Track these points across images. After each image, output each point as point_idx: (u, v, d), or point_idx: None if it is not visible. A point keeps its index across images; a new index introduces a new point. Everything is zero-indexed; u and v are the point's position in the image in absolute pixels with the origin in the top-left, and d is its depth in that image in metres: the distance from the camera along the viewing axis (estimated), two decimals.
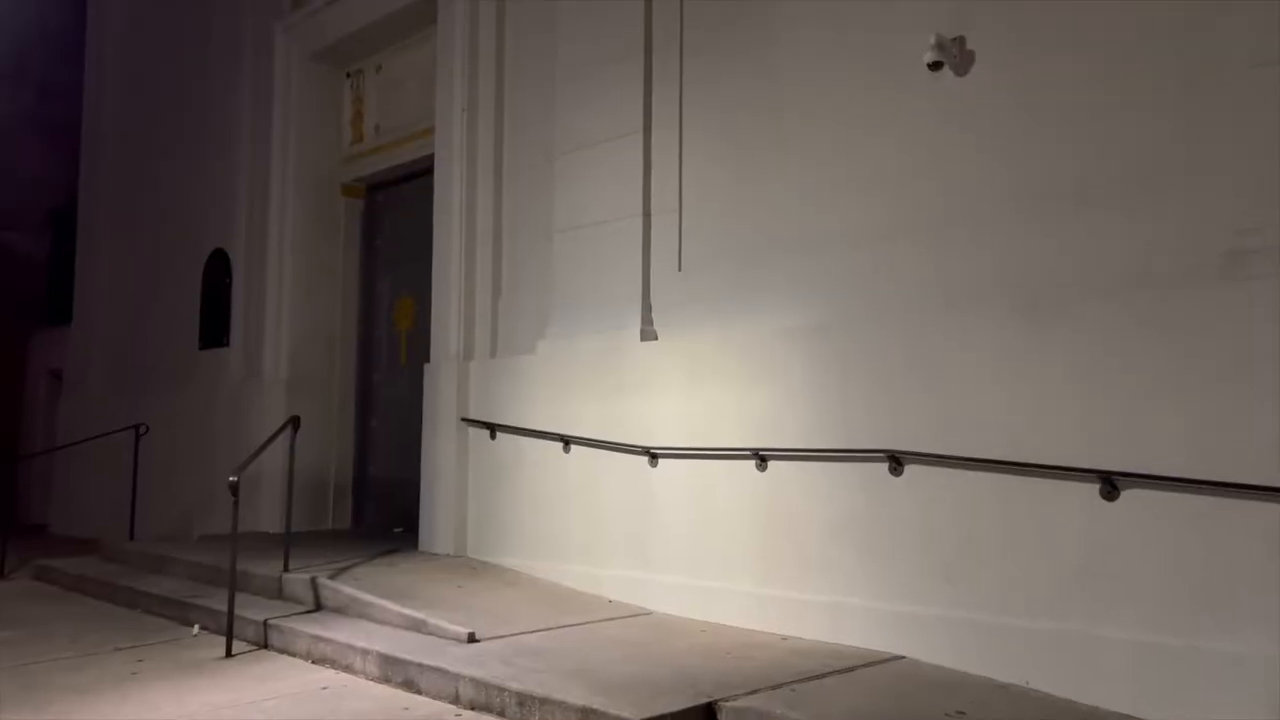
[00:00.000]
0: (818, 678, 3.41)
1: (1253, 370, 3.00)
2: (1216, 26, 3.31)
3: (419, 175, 7.04)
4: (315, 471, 7.29)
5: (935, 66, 3.88)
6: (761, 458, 4.30)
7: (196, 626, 4.94)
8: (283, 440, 5.19)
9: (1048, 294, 3.56)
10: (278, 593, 5.09)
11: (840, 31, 4.37)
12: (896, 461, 3.83)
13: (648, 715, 2.98)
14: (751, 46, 4.73)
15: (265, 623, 4.56)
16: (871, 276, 4.11)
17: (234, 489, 4.47)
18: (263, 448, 5.01)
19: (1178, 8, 3.40)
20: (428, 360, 6.23)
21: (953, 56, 3.86)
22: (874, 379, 3.97)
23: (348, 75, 7.86)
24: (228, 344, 8.07)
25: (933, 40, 3.84)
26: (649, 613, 4.60)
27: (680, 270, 4.96)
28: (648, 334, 4.99)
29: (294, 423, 5.21)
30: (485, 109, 6.11)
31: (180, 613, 5.16)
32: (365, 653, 3.99)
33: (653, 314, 5.04)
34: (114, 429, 8.00)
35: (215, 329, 8.27)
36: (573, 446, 5.17)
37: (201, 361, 8.39)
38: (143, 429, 7.49)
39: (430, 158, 6.50)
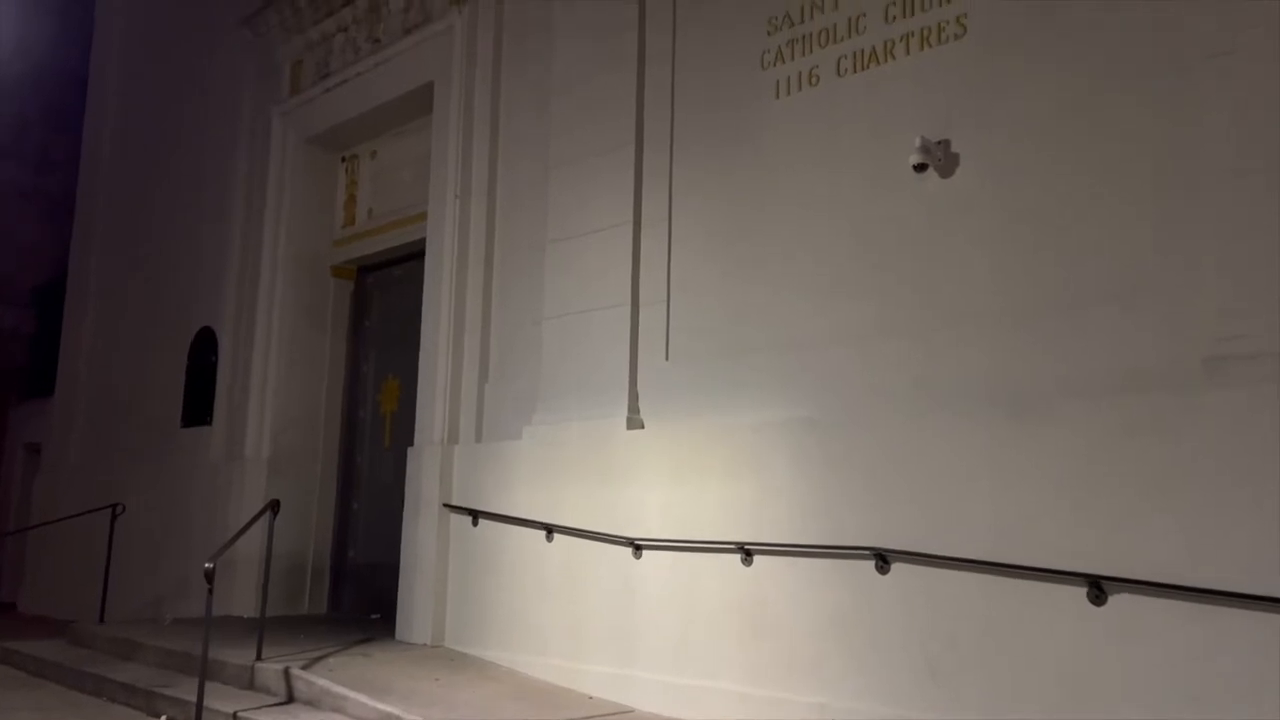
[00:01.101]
0: None
1: (1238, 477, 3.01)
2: (1197, 132, 3.39)
3: (410, 258, 7.09)
4: (293, 554, 7.16)
5: (920, 168, 3.96)
6: (747, 552, 4.25)
7: (164, 718, 4.78)
8: (261, 523, 5.11)
9: (1034, 395, 3.58)
10: (249, 683, 4.95)
11: (828, 130, 4.47)
12: (883, 560, 3.79)
13: None
14: (741, 141, 4.82)
15: (235, 715, 4.42)
16: (857, 373, 4.13)
17: (209, 576, 4.38)
18: (240, 533, 4.94)
19: (1160, 113, 3.50)
20: (411, 443, 6.19)
21: (937, 159, 3.95)
22: (860, 476, 3.96)
23: (343, 159, 7.97)
24: (210, 423, 8.01)
25: (918, 143, 3.93)
26: (630, 710, 4.49)
27: (668, 360, 4.98)
28: (634, 422, 4.97)
29: (273, 507, 5.14)
30: (478, 195, 6.19)
31: (147, 702, 5.00)
32: None
33: (639, 403, 5.03)
34: (91, 507, 7.86)
35: (198, 407, 8.21)
36: (556, 536, 5.11)
37: (183, 440, 8.30)
38: (119, 509, 7.36)
39: (422, 242, 6.56)
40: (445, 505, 5.79)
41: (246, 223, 7.98)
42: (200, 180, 8.68)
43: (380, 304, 7.77)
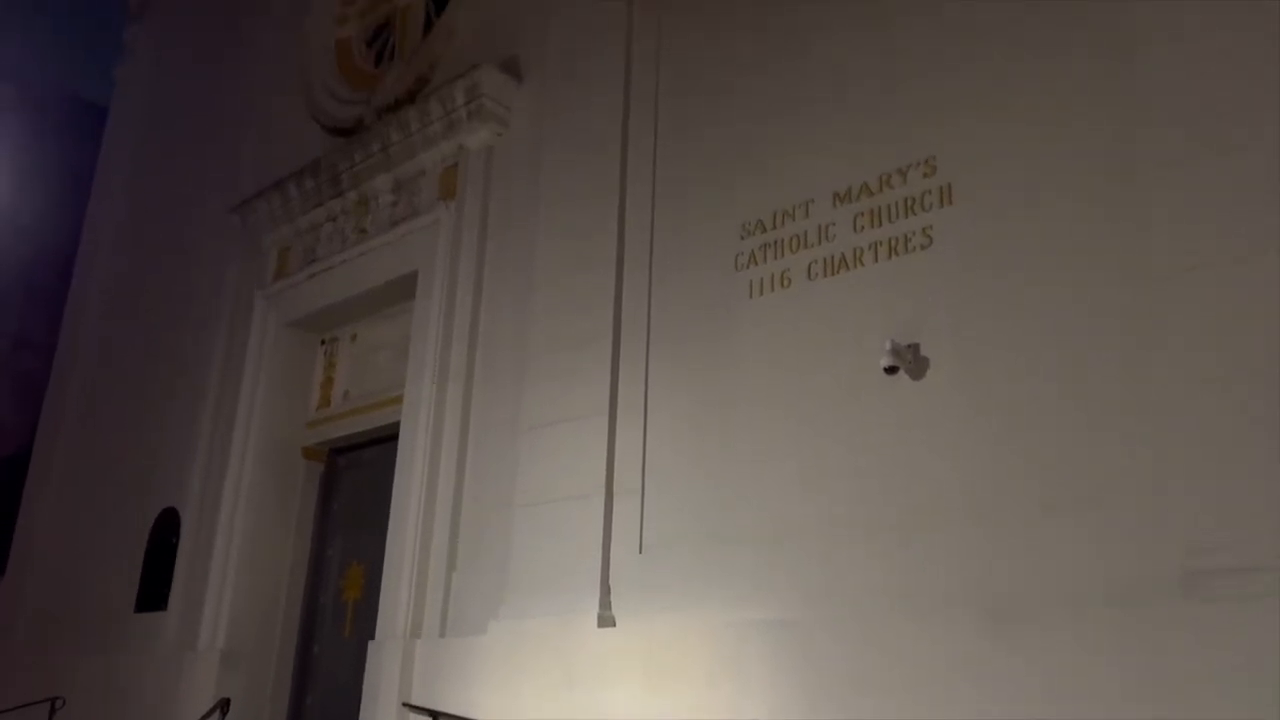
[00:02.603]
0: None
1: (1221, 691, 2.94)
2: (1166, 344, 3.48)
3: (383, 441, 7.04)
4: None
5: (891, 371, 4.05)
6: None
7: None
8: None
9: (1014, 600, 3.53)
10: None
11: (800, 331, 4.58)
12: None
13: None
14: (716, 338, 4.93)
15: None
16: (836, 572, 4.06)
17: None
18: None
19: (1128, 328, 3.61)
20: (373, 635, 5.96)
21: (908, 362, 4.04)
22: (841, 681, 3.83)
23: (322, 342, 8.04)
24: (165, 608, 7.70)
25: (888, 346, 4.03)
26: None
27: (641, 553, 4.89)
28: (605, 619, 4.82)
29: (223, 706, 4.89)
30: (455, 380, 6.22)
31: None
32: None
33: (611, 597, 4.90)
34: (34, 699, 7.43)
35: (155, 591, 7.91)
36: None
37: (136, 626, 7.96)
38: (59, 703, 6.95)
39: (396, 425, 6.54)
40: (405, 704, 5.51)
41: (219, 403, 7.96)
42: (177, 361, 8.71)
43: (350, 487, 7.66)
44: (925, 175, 4.32)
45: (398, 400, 6.66)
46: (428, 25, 7.79)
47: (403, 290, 6.93)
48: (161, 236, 9.70)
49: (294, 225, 7.86)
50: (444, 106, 6.67)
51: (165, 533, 8.06)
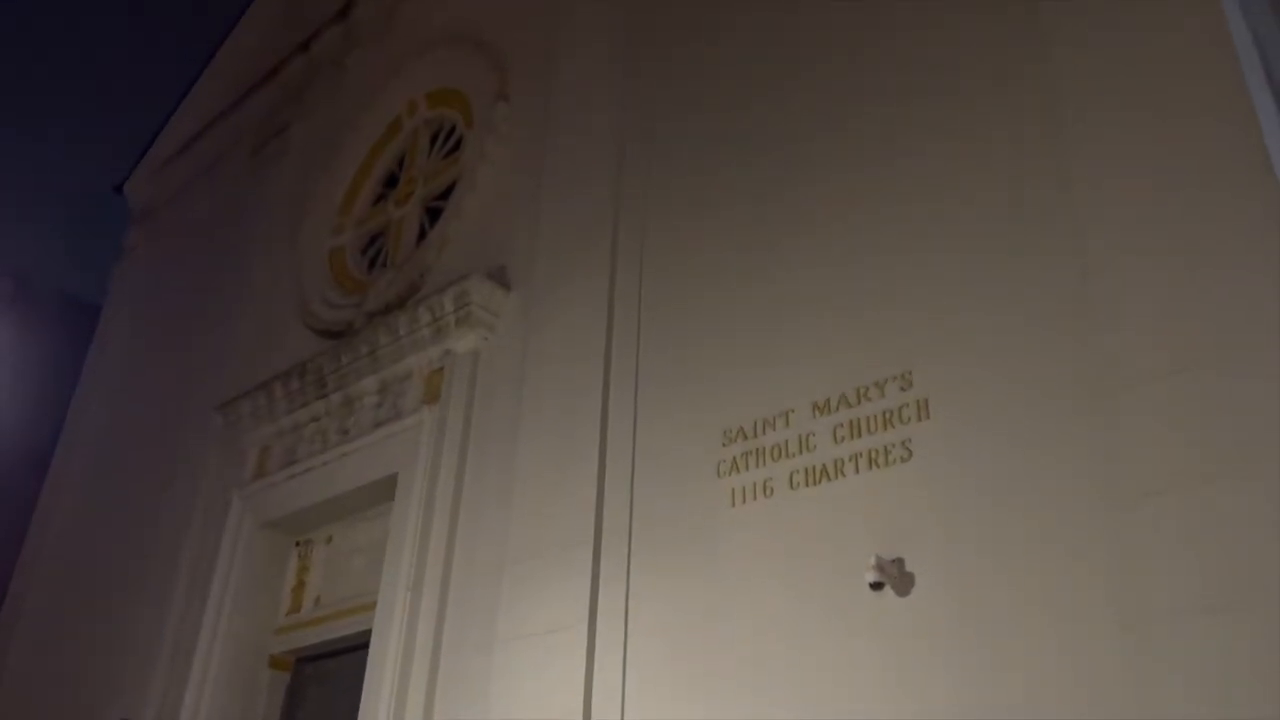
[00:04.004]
0: None
1: None
2: (1153, 567, 3.43)
3: (353, 650, 6.76)
4: None
5: (877, 586, 3.97)
6: None
7: None
8: None
9: None
10: None
11: (783, 542, 4.51)
12: None
13: None
14: (698, 546, 4.84)
15: None
16: None
17: None
18: None
19: (1108, 533, 3.58)
20: None
21: (893, 578, 3.98)
22: None
23: (297, 544, 7.87)
24: None
25: (872, 561, 3.97)
26: None
27: None
28: None
29: None
30: (430, 588, 6.05)
31: None
32: None
33: None
34: None
35: None
36: None
37: None
38: None
39: (367, 633, 6.30)
40: None
41: (187, 608, 7.69)
42: (147, 563, 8.47)
43: (315, 700, 7.29)
44: (902, 389, 4.39)
45: (370, 607, 6.45)
46: (421, 235, 8.10)
47: (382, 493, 6.85)
48: (143, 436, 9.66)
49: (277, 425, 7.86)
50: (433, 313, 6.83)
51: None
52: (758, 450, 4.83)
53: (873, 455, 4.36)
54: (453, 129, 8.50)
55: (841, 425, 4.53)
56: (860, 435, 4.44)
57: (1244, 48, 3.78)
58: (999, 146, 4.56)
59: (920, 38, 5.15)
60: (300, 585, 7.70)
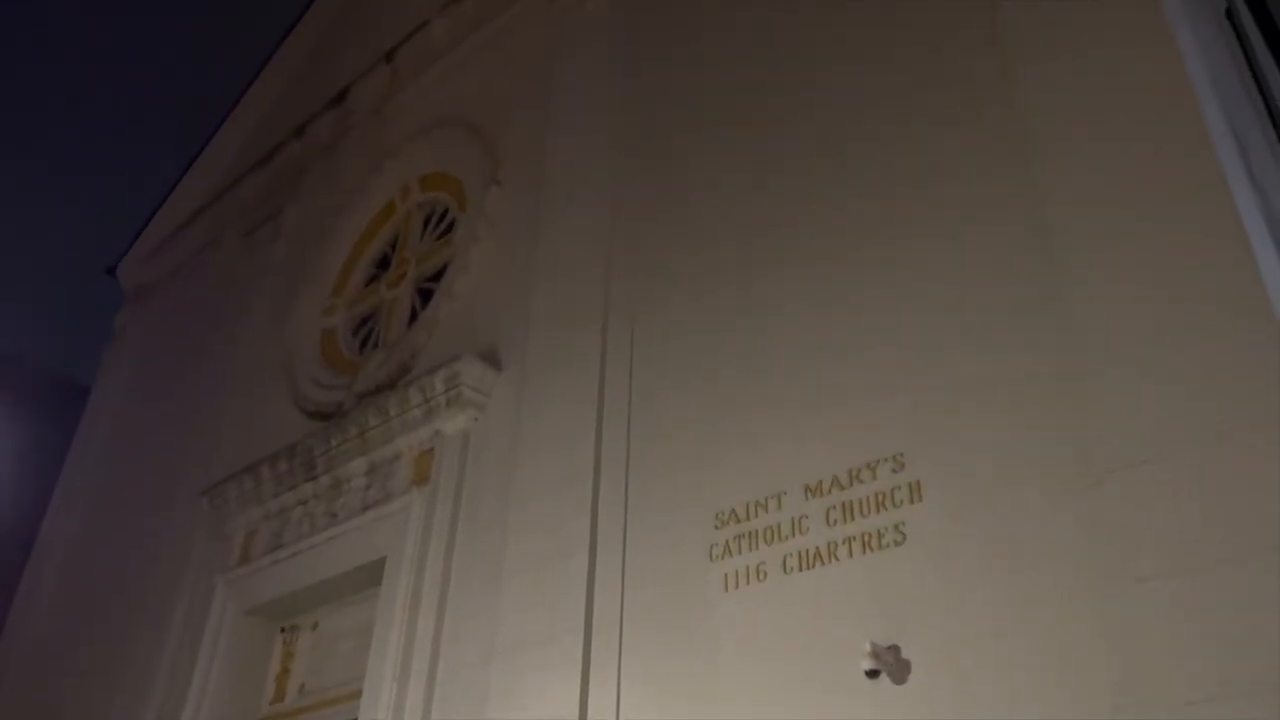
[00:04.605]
0: None
1: None
2: (1146, 649, 3.39)
3: None
4: None
5: (873, 674, 3.90)
6: None
7: None
8: None
9: None
10: None
11: (778, 627, 4.44)
12: None
13: None
14: (691, 632, 4.76)
15: None
16: None
17: None
18: None
19: (1105, 620, 3.53)
20: None
21: (889, 665, 3.91)
22: None
23: (282, 630, 7.71)
24: None
25: (868, 648, 3.90)
26: None
27: None
28: None
29: None
30: (417, 676, 5.90)
31: None
32: None
33: None
34: None
35: None
36: None
37: None
38: None
39: None
40: None
41: (167, 698, 7.49)
42: (127, 650, 8.28)
43: None
44: (894, 470, 4.38)
45: (356, 696, 6.30)
46: (413, 316, 8.13)
47: (370, 577, 6.74)
48: (128, 520, 9.53)
49: (264, 509, 7.77)
50: (424, 394, 6.82)
51: None
52: (750, 533, 4.79)
53: (866, 539, 4.32)
54: (445, 212, 8.60)
55: (834, 508, 4.50)
56: (853, 518, 4.41)
57: (1226, 153, 3.87)
58: (986, 236, 4.62)
59: (905, 133, 5.25)
60: (285, 673, 7.52)
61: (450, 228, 8.39)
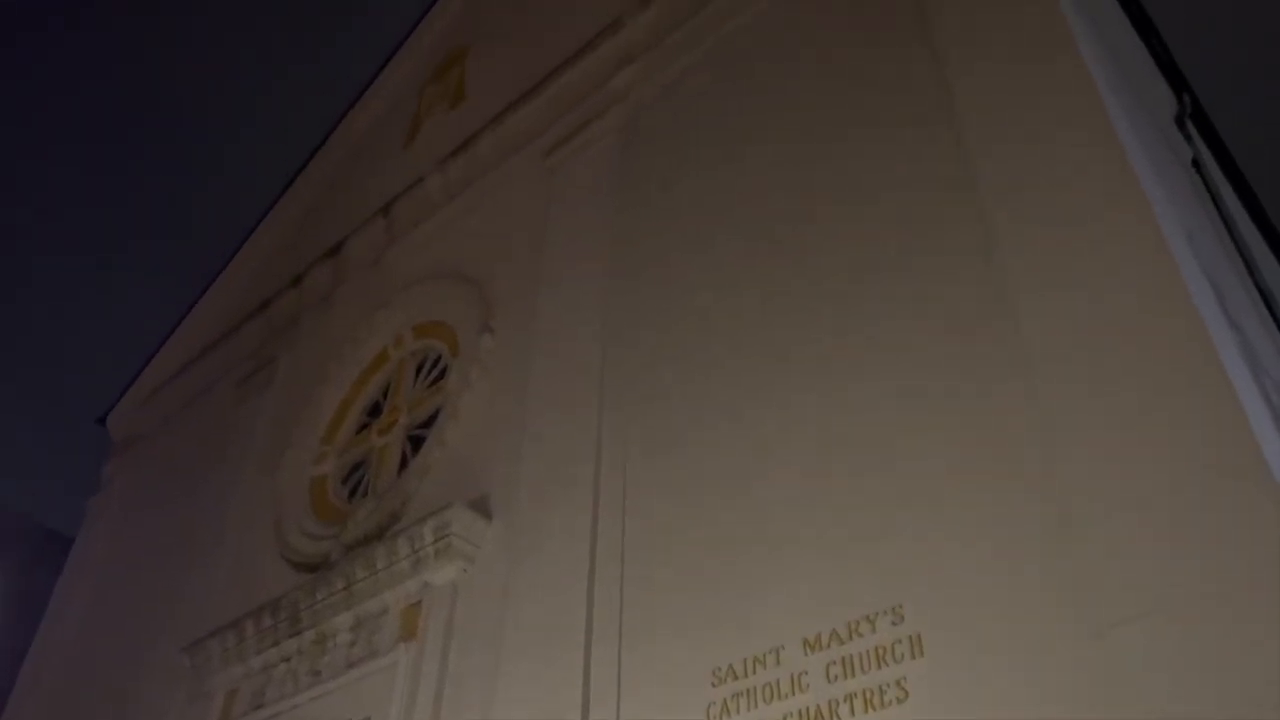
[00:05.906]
0: None
1: None
2: None
3: None
4: None
5: None
6: None
7: None
8: None
9: None
10: None
11: None
12: None
13: None
14: None
15: None
16: None
17: None
18: None
19: None
20: None
21: None
22: None
23: None
24: None
25: None
26: None
27: None
28: None
29: None
30: None
31: None
32: None
33: None
34: None
35: None
36: None
37: None
38: None
39: None
40: None
41: None
42: None
43: None
44: (894, 623, 4.27)
45: None
46: (403, 464, 8.07)
47: None
48: (107, 677, 9.20)
49: (246, 666, 7.51)
50: (412, 544, 6.70)
51: None
52: (749, 690, 4.62)
53: (868, 696, 4.17)
54: (438, 358, 8.66)
55: (834, 663, 4.37)
56: (854, 674, 4.27)
57: (1205, 303, 3.97)
58: (981, 394, 4.63)
59: (900, 268, 5.33)
60: None
61: (443, 374, 8.44)
